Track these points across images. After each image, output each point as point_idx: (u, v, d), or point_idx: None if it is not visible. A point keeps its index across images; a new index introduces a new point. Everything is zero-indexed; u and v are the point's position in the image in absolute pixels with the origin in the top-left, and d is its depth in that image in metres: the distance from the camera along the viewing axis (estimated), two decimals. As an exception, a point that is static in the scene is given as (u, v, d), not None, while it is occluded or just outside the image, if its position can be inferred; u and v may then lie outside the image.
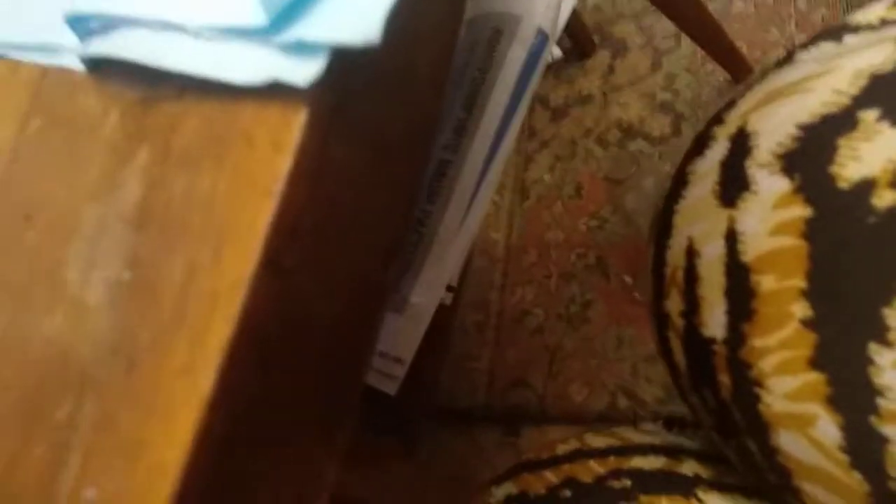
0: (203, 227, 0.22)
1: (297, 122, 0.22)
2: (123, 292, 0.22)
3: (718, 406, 0.30)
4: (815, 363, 0.26)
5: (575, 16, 1.15)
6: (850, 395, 0.25)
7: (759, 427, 0.28)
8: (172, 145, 0.25)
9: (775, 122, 0.28)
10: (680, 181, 0.33)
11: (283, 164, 0.21)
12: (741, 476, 0.32)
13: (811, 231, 0.26)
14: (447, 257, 0.53)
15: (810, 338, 0.26)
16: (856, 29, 0.31)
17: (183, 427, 0.19)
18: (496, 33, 0.61)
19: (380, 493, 0.59)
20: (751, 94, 0.31)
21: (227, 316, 0.20)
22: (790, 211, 0.26)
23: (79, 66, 0.26)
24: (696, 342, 0.30)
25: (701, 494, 0.33)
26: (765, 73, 0.32)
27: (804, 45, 0.33)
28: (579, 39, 1.20)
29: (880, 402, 0.24)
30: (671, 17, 0.93)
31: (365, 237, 0.25)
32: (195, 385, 0.20)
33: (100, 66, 0.26)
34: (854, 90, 0.26)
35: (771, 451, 0.28)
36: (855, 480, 0.25)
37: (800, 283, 0.26)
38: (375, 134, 0.25)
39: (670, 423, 0.40)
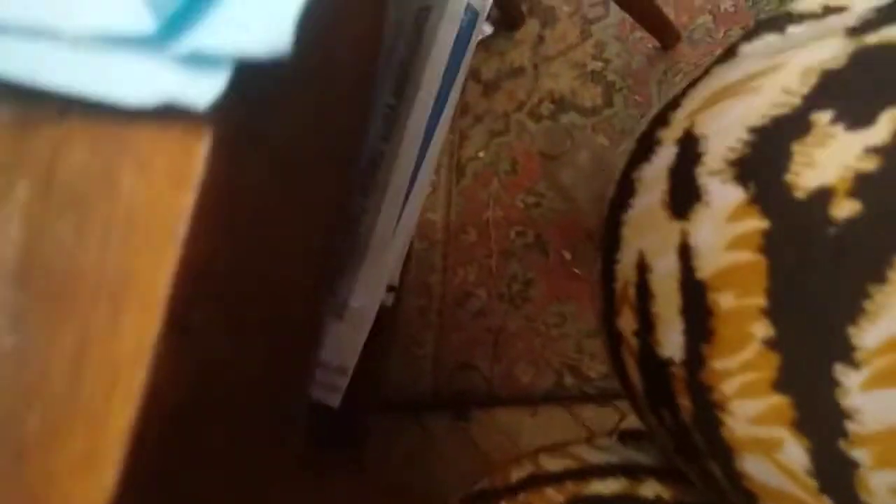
0: (96, 282, 0.19)
1: (199, 148, 0.19)
2: (5, 364, 0.19)
3: (678, 429, 0.28)
4: (780, 386, 0.24)
5: (502, -14, 1.13)
6: (817, 418, 0.24)
7: (723, 451, 0.27)
8: (55, 178, 0.21)
9: (724, 124, 0.27)
10: (626, 188, 0.31)
11: (185, 200, 0.18)
12: (702, 494, 0.30)
13: (769, 245, 0.24)
14: (386, 255, 0.50)
15: (773, 359, 0.24)
16: (798, 18, 0.30)
17: (84, 528, 0.16)
18: (423, 11, 0.57)
19: None
20: (695, 91, 0.30)
21: (130, 391, 0.17)
22: (746, 223, 0.25)
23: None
24: (653, 363, 0.28)
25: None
26: (707, 69, 0.31)
27: (746, 37, 0.31)
28: (508, 10, 1.17)
29: (848, 425, 0.23)
30: (599, -14, 0.91)
31: (288, 273, 0.22)
32: (96, 478, 0.16)
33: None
34: (804, 89, 0.25)
35: (736, 476, 0.27)
36: None
37: (760, 301, 0.25)
38: (293, 152, 0.21)
39: (625, 435, 0.38)
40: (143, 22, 0.19)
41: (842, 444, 0.23)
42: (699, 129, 0.27)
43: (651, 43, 1.03)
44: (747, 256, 0.25)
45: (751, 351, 0.25)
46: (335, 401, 0.46)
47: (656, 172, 0.28)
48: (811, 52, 0.26)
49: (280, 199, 0.21)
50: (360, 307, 0.49)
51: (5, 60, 0.21)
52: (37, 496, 0.17)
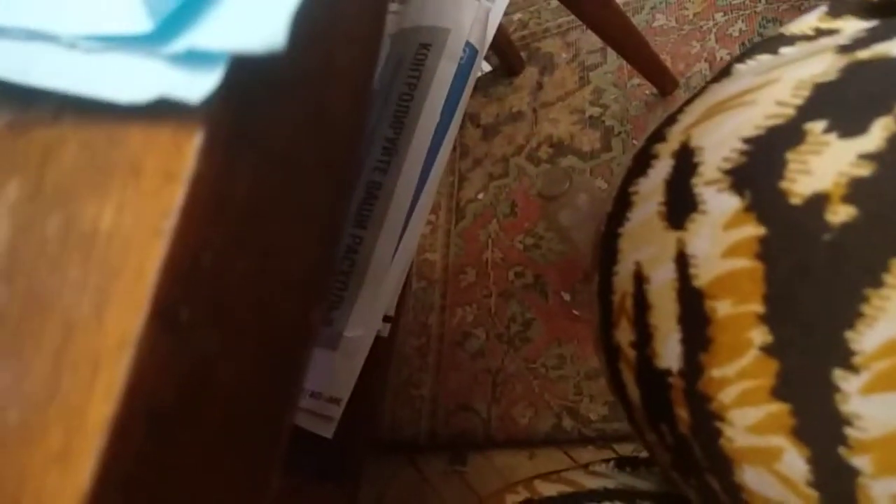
0: (82, 276, 0.18)
1: (191, 145, 0.18)
2: (-17, 360, 0.18)
3: (677, 442, 0.28)
4: (778, 393, 0.24)
5: (501, 32, 1.15)
6: (817, 425, 0.23)
7: (722, 463, 0.26)
8: (46, 178, 0.21)
9: (719, 136, 0.27)
10: (622, 202, 0.31)
11: (176, 195, 0.18)
12: None
13: (766, 251, 0.24)
14: (383, 286, 0.50)
15: (772, 366, 0.24)
16: (791, 40, 0.31)
17: (55, 528, 0.15)
18: (423, 48, 0.58)
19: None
20: (690, 108, 0.30)
21: (110, 386, 0.16)
22: (742, 231, 0.25)
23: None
24: (650, 375, 0.28)
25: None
26: (703, 88, 0.31)
27: (740, 58, 0.32)
28: (507, 56, 1.19)
29: (848, 431, 0.23)
30: (597, 32, 0.93)
31: (279, 276, 0.21)
32: (70, 475, 0.16)
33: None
34: (798, 100, 0.25)
35: (735, 489, 0.26)
36: None
37: (757, 307, 0.24)
38: (286, 152, 0.21)
39: (622, 462, 0.37)
40: (140, 21, 0.19)
41: (842, 451, 0.23)
42: (695, 142, 0.27)
43: (649, 89, 1.05)
44: (744, 263, 0.24)
45: (749, 358, 0.24)
46: (328, 431, 0.45)
47: (653, 185, 0.28)
48: (804, 67, 0.26)
49: (272, 200, 0.21)
50: (355, 337, 0.48)
51: (0, 60, 0.21)
52: (8, 493, 0.16)
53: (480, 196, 1.14)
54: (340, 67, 0.23)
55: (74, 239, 0.19)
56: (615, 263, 0.29)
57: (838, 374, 0.23)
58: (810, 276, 0.23)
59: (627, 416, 0.31)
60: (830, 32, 0.29)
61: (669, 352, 0.26)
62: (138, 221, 0.18)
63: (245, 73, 0.19)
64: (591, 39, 1.15)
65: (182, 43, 0.19)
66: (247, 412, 0.20)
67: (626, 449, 0.83)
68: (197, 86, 0.18)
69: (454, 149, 1.22)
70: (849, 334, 0.22)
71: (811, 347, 0.23)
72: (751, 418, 0.24)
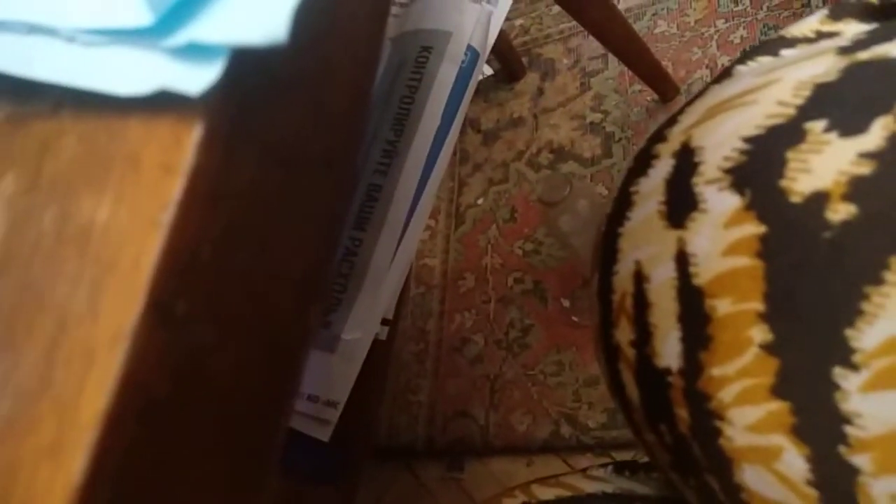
0: (77, 268, 0.18)
1: (190, 138, 0.18)
2: (-24, 352, 0.18)
3: (676, 442, 0.28)
4: (778, 391, 0.24)
5: (503, 38, 1.15)
6: (816, 424, 0.23)
7: (721, 463, 0.26)
8: (44, 171, 0.21)
9: (720, 136, 0.27)
10: (623, 202, 0.31)
11: (174, 188, 0.18)
12: None
13: (766, 249, 0.24)
14: (381, 288, 0.50)
15: (772, 364, 0.24)
16: (792, 43, 0.31)
17: (46, 522, 0.15)
18: (425, 51, 0.58)
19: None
20: (691, 109, 0.30)
21: (104, 379, 0.16)
22: (742, 229, 0.25)
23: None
24: (650, 374, 0.28)
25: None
26: (704, 89, 0.31)
27: (741, 60, 0.32)
28: (508, 62, 1.19)
29: (848, 430, 0.22)
30: (598, 38, 0.93)
31: (277, 273, 0.21)
32: (62, 468, 0.16)
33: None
34: (798, 100, 0.25)
35: (734, 489, 0.26)
36: None
37: (757, 305, 0.24)
38: (286, 148, 0.21)
39: (621, 466, 0.37)
40: (140, 14, 0.19)
41: (842, 450, 0.23)
42: (696, 142, 0.27)
43: (650, 96, 1.05)
44: (744, 261, 0.24)
45: (749, 356, 0.24)
46: (325, 434, 0.45)
47: (653, 185, 0.28)
48: (804, 68, 0.26)
49: (272, 195, 0.21)
50: (353, 340, 0.48)
51: (0, 53, 0.21)
52: (-1, 488, 0.16)
53: (480, 201, 1.14)
54: (341, 67, 0.23)
55: (70, 232, 0.19)
56: (615, 263, 0.29)
57: (838, 372, 0.22)
58: (810, 274, 0.23)
59: (626, 417, 0.31)
60: (831, 35, 0.29)
61: (669, 350, 0.26)
62: (136, 214, 0.18)
63: (246, 67, 0.19)
64: (593, 45, 1.15)
65: (182, 36, 0.19)
66: (242, 408, 0.20)
67: (624, 457, 0.83)
68: (197, 79, 0.18)
69: (454, 154, 1.22)
70: (849, 332, 0.22)
71: (811, 345, 0.23)
72: (750, 417, 0.24)
